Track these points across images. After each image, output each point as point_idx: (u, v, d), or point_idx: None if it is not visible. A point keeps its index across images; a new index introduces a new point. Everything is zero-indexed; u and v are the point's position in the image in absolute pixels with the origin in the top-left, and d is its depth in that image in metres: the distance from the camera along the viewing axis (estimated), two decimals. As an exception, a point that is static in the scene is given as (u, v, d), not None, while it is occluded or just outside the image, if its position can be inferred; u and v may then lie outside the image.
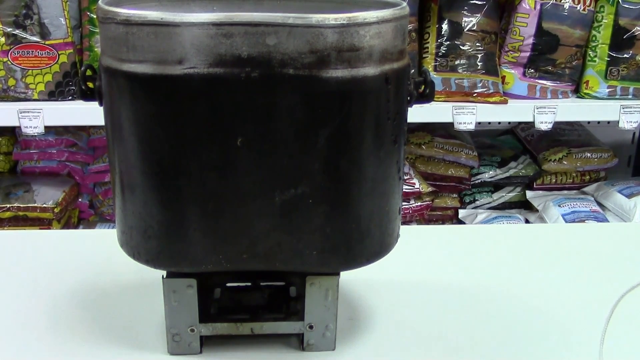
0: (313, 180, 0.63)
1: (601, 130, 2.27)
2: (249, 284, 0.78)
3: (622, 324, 0.82)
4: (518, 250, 1.02)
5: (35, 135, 1.74)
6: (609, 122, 2.04)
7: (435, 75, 1.82)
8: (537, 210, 2.04)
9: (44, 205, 1.82)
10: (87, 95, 0.67)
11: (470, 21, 1.84)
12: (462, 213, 2.08)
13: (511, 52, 1.88)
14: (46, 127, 1.70)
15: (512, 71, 1.89)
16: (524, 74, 1.89)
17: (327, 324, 0.73)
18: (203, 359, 0.74)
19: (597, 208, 2.00)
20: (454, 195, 2.10)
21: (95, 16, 1.63)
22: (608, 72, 1.88)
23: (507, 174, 2.10)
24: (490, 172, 2.10)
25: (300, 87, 0.60)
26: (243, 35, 0.58)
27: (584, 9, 1.84)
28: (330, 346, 0.75)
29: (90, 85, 0.67)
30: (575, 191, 2.14)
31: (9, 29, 1.67)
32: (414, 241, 1.01)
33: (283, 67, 0.59)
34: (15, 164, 1.99)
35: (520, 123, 2.28)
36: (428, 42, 1.86)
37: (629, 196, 1.98)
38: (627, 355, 0.76)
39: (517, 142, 2.27)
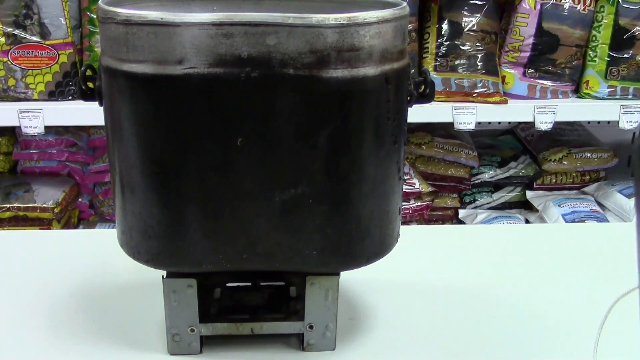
0: (313, 180, 0.63)
1: (601, 130, 2.27)
2: (249, 284, 0.78)
3: (618, 325, 0.82)
4: (518, 250, 1.02)
5: (35, 135, 1.74)
6: (609, 122, 2.04)
7: (435, 75, 1.82)
8: (537, 210, 2.04)
9: (44, 205, 1.82)
10: (87, 95, 0.67)
11: (470, 21, 1.84)
12: (462, 213, 2.08)
13: (511, 52, 1.88)
14: (46, 127, 1.70)
15: (512, 71, 1.89)
16: (524, 74, 1.89)
17: (327, 324, 0.73)
18: (203, 359, 0.74)
19: (597, 208, 2.00)
20: (454, 195, 2.10)
21: (95, 16, 1.63)
22: (608, 72, 1.88)
23: (507, 174, 2.10)
24: (490, 172, 2.10)
25: (300, 87, 0.60)
26: (243, 35, 0.58)
27: (584, 9, 1.84)
28: (330, 346, 0.75)
29: (90, 85, 0.67)
30: (575, 191, 2.14)
31: (9, 29, 1.67)
32: (414, 241, 1.00)
33: (283, 67, 0.59)
34: (15, 164, 1.99)
35: (520, 123, 2.28)
36: (428, 42, 1.86)
37: (629, 196, 1.98)
38: (622, 356, 0.76)
39: (517, 142, 2.27)
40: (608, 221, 1.95)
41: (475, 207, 2.10)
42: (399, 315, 0.83)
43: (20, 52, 1.68)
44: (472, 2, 1.85)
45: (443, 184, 2.07)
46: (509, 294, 0.88)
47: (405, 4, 0.65)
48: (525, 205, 2.13)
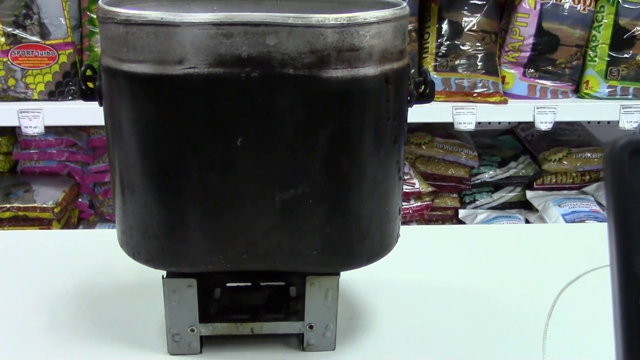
0: (313, 180, 0.63)
1: (601, 130, 2.27)
2: (249, 284, 0.78)
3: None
4: (518, 250, 1.02)
5: (35, 135, 1.74)
6: (609, 122, 2.04)
7: (435, 75, 1.82)
8: (537, 210, 2.04)
9: (44, 205, 1.82)
10: (87, 95, 0.67)
11: (470, 21, 1.84)
12: (462, 213, 2.08)
13: (511, 52, 1.88)
14: (46, 127, 1.70)
15: (512, 71, 1.89)
16: (524, 74, 1.89)
17: (327, 324, 0.73)
18: (203, 359, 0.74)
19: (597, 208, 2.00)
20: (454, 195, 2.10)
21: (95, 16, 1.63)
22: (608, 72, 1.88)
23: (507, 174, 2.10)
24: (490, 172, 2.10)
25: (300, 87, 0.60)
26: (243, 35, 0.58)
27: (584, 9, 1.84)
28: (330, 346, 0.75)
29: (90, 85, 0.67)
30: (575, 191, 2.14)
31: (9, 29, 1.67)
32: (414, 241, 1.00)
33: (283, 67, 0.59)
34: (15, 164, 1.99)
35: (520, 123, 2.28)
36: (428, 42, 1.86)
37: (629, 196, 1.98)
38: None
39: (517, 142, 2.27)
40: (608, 221, 1.95)
41: (475, 207, 2.10)
42: (399, 315, 0.83)
43: (20, 52, 1.68)
44: (472, 2, 1.85)
45: (443, 184, 2.07)
46: (509, 294, 0.88)
47: (405, 4, 0.65)
48: (525, 205, 2.13)
